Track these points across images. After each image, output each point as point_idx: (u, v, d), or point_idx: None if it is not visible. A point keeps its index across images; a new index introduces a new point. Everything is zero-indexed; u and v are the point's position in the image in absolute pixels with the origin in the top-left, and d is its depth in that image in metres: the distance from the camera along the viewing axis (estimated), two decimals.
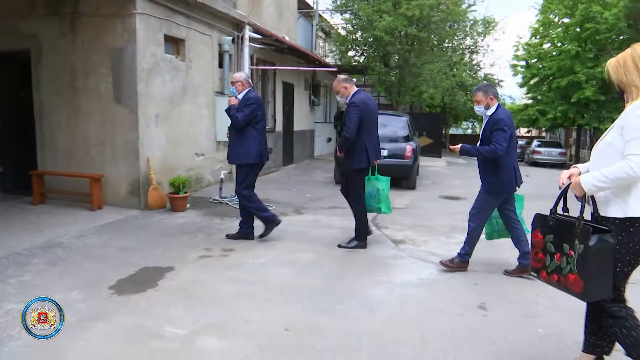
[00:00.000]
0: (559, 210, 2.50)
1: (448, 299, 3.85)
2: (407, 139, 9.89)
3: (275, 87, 12.10)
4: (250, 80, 5.35)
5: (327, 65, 14.85)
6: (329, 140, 18.15)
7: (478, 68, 24.52)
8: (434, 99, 17.87)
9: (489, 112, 4.23)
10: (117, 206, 6.74)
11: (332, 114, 18.78)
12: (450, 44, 19.91)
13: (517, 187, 4.35)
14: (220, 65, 8.97)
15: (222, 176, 7.66)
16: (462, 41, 21.77)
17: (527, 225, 4.45)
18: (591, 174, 2.29)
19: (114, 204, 6.82)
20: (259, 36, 10.04)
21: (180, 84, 7.60)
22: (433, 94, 17.02)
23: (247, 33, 9.57)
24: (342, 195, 5.39)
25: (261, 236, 5.35)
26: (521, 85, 26.15)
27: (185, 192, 6.80)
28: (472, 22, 20.44)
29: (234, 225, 5.97)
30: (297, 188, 9.35)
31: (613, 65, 2.33)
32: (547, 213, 2.49)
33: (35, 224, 5.84)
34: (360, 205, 5.15)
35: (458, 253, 4.50)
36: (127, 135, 6.70)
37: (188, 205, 6.92)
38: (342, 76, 5.28)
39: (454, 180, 12.34)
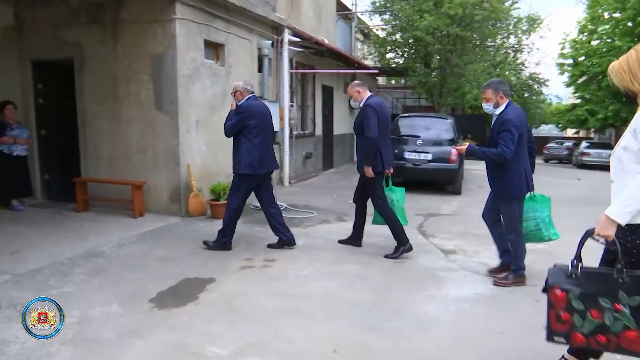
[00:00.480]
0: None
1: (508, 318, 3.54)
2: (452, 142, 9.50)
3: (315, 90, 11.93)
4: (249, 88, 5.12)
5: (366, 67, 14.59)
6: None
7: (523, 67, 23.69)
8: (478, 100, 17.28)
9: (498, 111, 3.98)
10: (159, 213, 6.69)
11: None
12: (493, 43, 19.28)
13: (528, 192, 4.06)
14: (260, 70, 8.87)
15: None
16: (505, 40, 21.05)
17: (556, 228, 4.36)
18: (614, 205, 2.06)
19: (155, 210, 6.78)
20: (298, 39, 9.91)
21: (220, 89, 7.52)
22: (477, 94, 16.47)
23: (287, 36, 9.44)
24: (385, 202, 5.11)
25: (205, 243, 5.19)
26: (568, 85, 25.06)
27: (226, 199, 6.67)
28: (515, 19, 19.75)
29: (272, 233, 5.81)
30: (338, 193, 9.13)
31: (616, 71, 2.16)
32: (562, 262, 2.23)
33: (78, 231, 5.83)
34: (385, 209, 4.99)
35: (512, 269, 4.20)
36: (167, 142, 6.65)
37: None
38: (355, 81, 5.22)
39: None
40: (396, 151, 9.28)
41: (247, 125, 4.93)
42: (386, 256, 4.95)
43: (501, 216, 4.22)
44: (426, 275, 4.49)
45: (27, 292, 3.81)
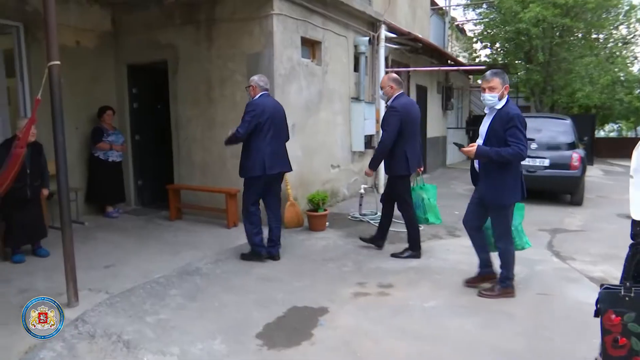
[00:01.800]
0: None
1: None
2: (572, 145, 8.33)
3: (409, 90, 11.12)
4: (262, 84, 4.79)
5: (461, 64, 13.53)
6: (462, 146, 16.68)
7: (636, 61, 21.28)
8: (591, 98, 15.53)
9: (500, 104, 3.59)
10: None
11: (464, 118, 17.31)
12: (601, 35, 17.36)
13: (521, 199, 3.73)
14: (356, 69, 8.24)
15: (362, 190, 6.85)
16: (613, 31, 18.95)
17: (528, 237, 4.10)
18: None
19: None
20: (394, 35, 9.18)
21: (316, 89, 6.97)
22: (589, 92, 14.78)
23: (383, 32, 8.74)
24: (411, 206, 4.98)
25: (243, 256, 4.85)
26: None
27: (325, 210, 6.10)
28: (628, 7, 17.67)
29: (385, 250, 5.14)
30: (440, 203, 8.24)
31: None
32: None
33: (172, 243, 5.48)
34: (409, 213, 4.91)
35: (499, 279, 3.88)
36: None
37: (327, 223, 6.21)
38: (393, 75, 4.99)
39: (623, 193, 10.34)
40: None
41: (258, 123, 4.58)
42: (393, 255, 4.95)
43: (490, 222, 3.88)
44: (583, 312, 3.58)
45: (122, 319, 3.41)
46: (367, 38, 8.17)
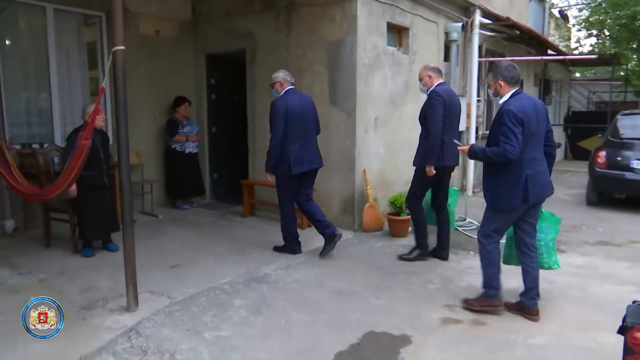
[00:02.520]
0: None
1: None
2: None
3: None
4: (289, 79, 4.73)
5: (564, 53, 12.20)
6: (559, 145, 15.21)
7: None
8: None
9: (502, 100, 3.33)
10: None
11: (562, 114, 15.78)
12: None
13: (526, 203, 3.24)
14: (445, 59, 7.50)
15: None
16: None
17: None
18: None
19: None
20: (489, 21, 8.30)
21: (402, 81, 6.35)
22: None
23: (478, 18, 7.90)
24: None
25: (276, 248, 4.88)
26: None
27: (408, 214, 5.49)
28: None
29: (474, 264, 4.47)
30: None
31: None
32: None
33: (242, 243, 5.16)
34: (414, 208, 4.67)
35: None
36: (341, 143, 5.70)
37: (410, 228, 5.61)
38: (431, 64, 4.67)
39: None
40: (618, 159, 7.25)
41: (286, 120, 4.49)
42: (400, 257, 4.66)
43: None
44: None
45: (178, 333, 3.07)
46: (460, 24, 7.40)
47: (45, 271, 4.27)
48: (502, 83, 3.31)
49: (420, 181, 4.56)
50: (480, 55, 8.30)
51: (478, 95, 8.48)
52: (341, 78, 5.63)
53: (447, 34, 7.35)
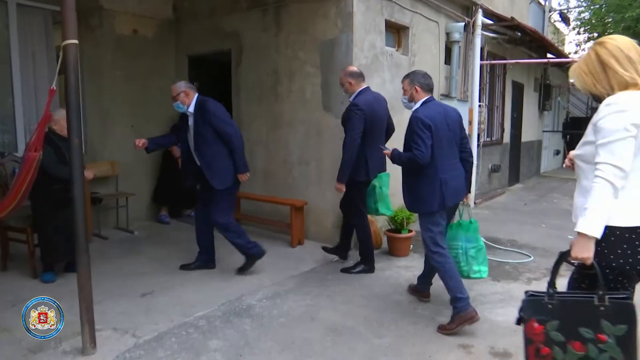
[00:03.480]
0: None
1: None
2: None
3: (505, 88, 9.68)
4: (192, 85, 4.27)
5: (565, 56, 11.74)
6: (557, 153, 14.82)
7: None
8: None
9: (415, 106, 3.44)
10: (321, 241, 5.21)
11: (560, 120, 15.37)
12: None
13: (443, 207, 3.33)
14: (446, 61, 7.01)
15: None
16: None
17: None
18: (581, 219, 1.83)
19: (316, 237, 5.34)
20: (491, 22, 7.84)
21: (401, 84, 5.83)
22: None
23: (480, 18, 7.43)
24: (365, 215, 4.43)
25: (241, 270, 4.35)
26: None
27: (410, 230, 4.97)
28: None
29: (486, 289, 3.95)
30: (546, 222, 6.85)
31: (577, 75, 1.99)
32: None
33: (225, 263, 4.59)
34: (361, 223, 4.40)
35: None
36: (335, 152, 5.13)
37: (411, 246, 5.08)
38: (350, 68, 4.36)
39: None
40: None
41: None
42: (343, 270, 4.44)
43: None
44: None
45: None
46: (462, 24, 6.92)
47: None
48: (418, 88, 3.43)
49: (356, 194, 4.30)
50: (481, 58, 7.83)
51: (480, 100, 7.98)
52: (335, 81, 5.09)
53: (448, 34, 6.87)
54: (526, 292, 1.96)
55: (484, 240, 5.46)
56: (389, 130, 4.52)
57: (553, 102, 13.51)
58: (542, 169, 13.43)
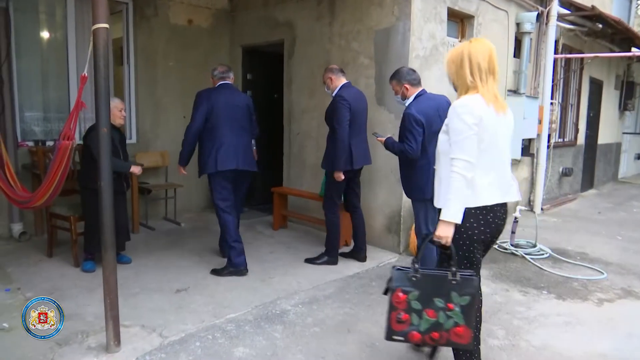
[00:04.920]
0: None
1: None
2: None
3: (581, 85, 8.88)
4: (217, 73, 4.47)
5: None
6: (638, 157, 13.59)
7: None
8: None
9: (407, 103, 3.62)
10: (369, 244, 4.89)
11: None
12: None
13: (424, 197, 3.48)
14: (515, 54, 6.46)
15: (517, 213, 5.13)
16: None
17: None
18: (443, 209, 2.17)
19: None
20: (569, 11, 7.16)
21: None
22: None
23: (555, 7, 6.79)
24: (337, 207, 4.43)
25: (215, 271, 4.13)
26: None
27: None
28: None
29: (551, 310, 3.51)
30: (623, 235, 6.16)
31: (447, 61, 2.32)
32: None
33: (265, 265, 4.40)
34: (333, 214, 4.41)
35: None
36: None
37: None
38: (330, 66, 4.42)
39: None
40: None
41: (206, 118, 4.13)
42: (307, 260, 4.47)
43: None
44: None
45: None
46: (535, 13, 6.33)
47: (35, 288, 3.71)
48: (407, 86, 3.60)
49: (333, 184, 4.33)
50: (556, 51, 7.18)
51: (552, 98, 7.34)
52: (390, 72, 4.76)
53: (518, 25, 6.32)
54: (394, 266, 2.21)
55: (549, 251, 5.01)
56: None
57: (637, 102, 12.36)
58: (621, 174, 12.33)
